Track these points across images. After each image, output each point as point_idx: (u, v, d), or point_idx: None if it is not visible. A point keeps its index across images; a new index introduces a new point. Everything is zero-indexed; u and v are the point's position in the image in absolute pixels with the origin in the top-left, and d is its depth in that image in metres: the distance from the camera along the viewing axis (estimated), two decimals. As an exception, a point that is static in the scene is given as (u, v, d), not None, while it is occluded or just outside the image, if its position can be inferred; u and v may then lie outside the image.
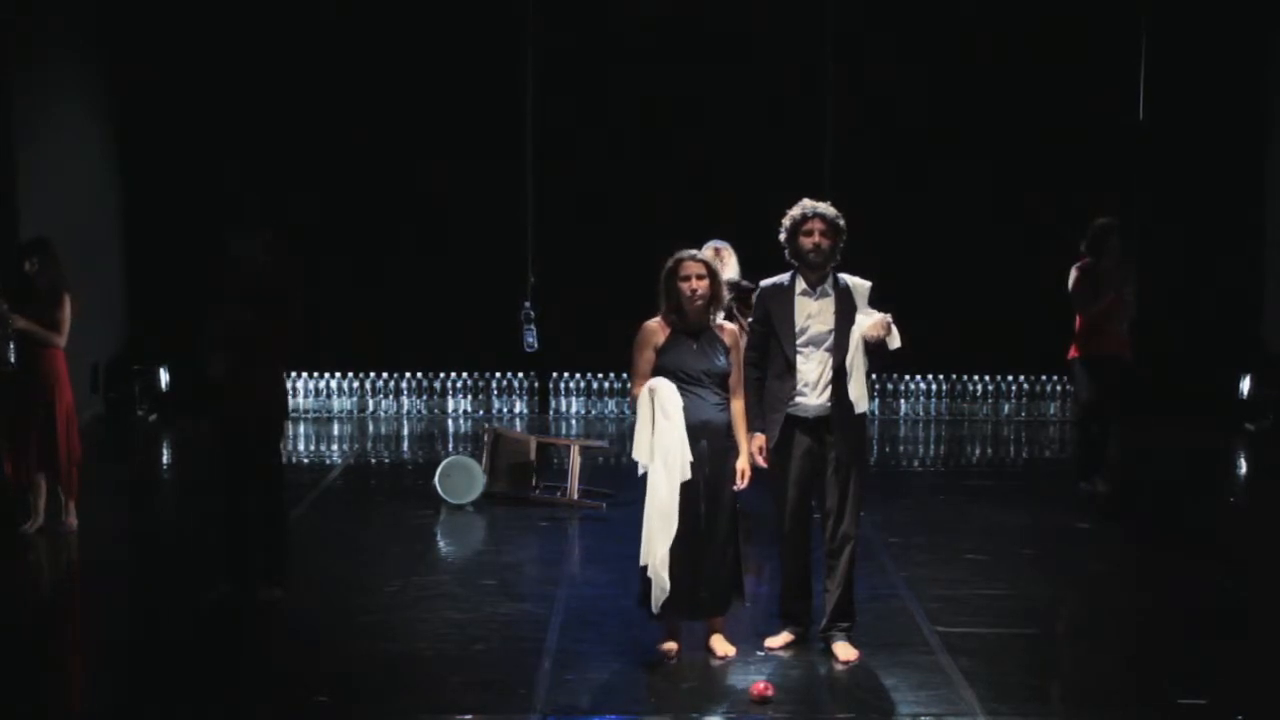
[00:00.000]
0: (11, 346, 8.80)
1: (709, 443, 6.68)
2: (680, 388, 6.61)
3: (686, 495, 6.62)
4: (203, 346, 7.68)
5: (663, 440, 6.54)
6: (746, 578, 7.04)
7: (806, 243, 6.73)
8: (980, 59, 13.53)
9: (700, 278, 6.70)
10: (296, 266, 8.15)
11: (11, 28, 11.56)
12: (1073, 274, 10.09)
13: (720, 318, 6.90)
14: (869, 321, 6.69)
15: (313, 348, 11.85)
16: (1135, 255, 10.31)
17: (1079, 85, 13.46)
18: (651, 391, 6.60)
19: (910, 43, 13.58)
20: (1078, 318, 10.09)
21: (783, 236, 6.82)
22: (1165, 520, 9.89)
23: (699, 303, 6.71)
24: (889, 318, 6.69)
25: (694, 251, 6.82)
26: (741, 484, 6.77)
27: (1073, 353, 10.20)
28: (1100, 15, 13.39)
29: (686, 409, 6.59)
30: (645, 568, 6.66)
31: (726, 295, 7.06)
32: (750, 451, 6.77)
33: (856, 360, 6.71)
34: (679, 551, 6.61)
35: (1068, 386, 13.56)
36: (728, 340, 6.78)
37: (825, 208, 6.81)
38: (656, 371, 6.68)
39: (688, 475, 6.58)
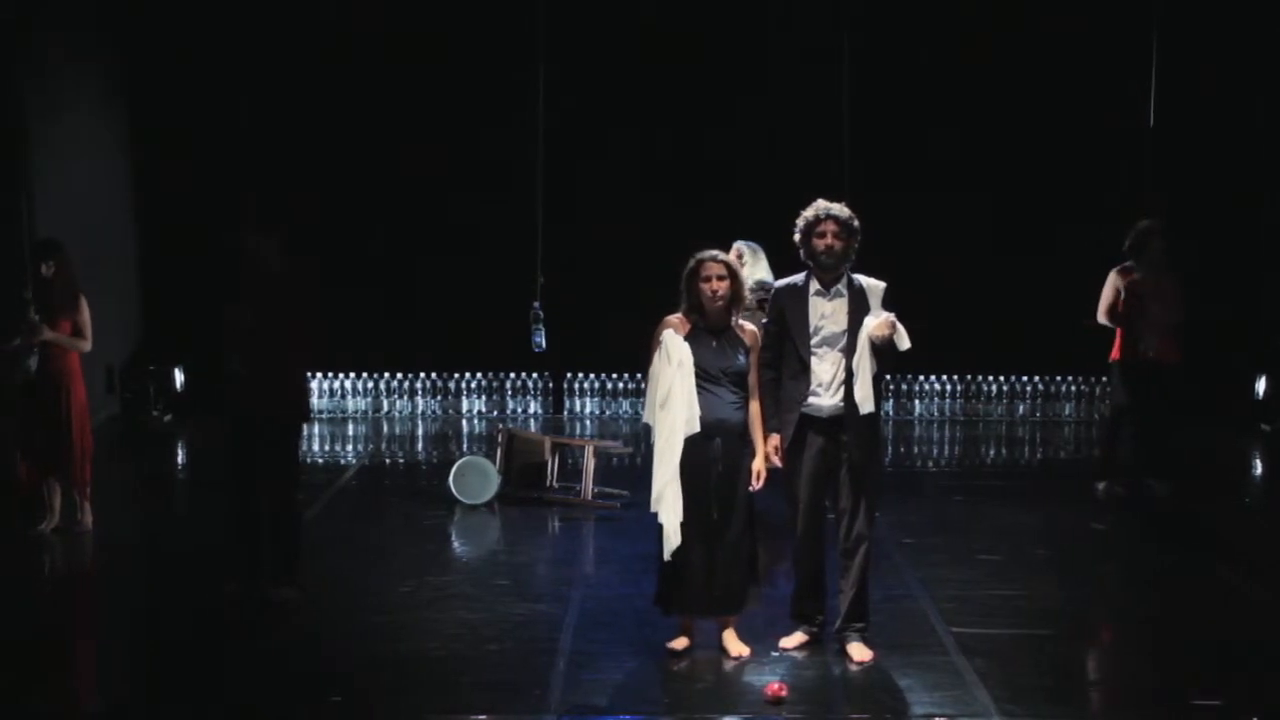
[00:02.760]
0: (34, 357, 8.83)
1: (724, 441, 6.69)
2: (699, 385, 6.62)
3: (701, 493, 6.65)
4: (224, 344, 7.66)
5: (667, 386, 6.55)
6: (761, 577, 7.04)
7: (819, 244, 6.72)
8: (984, 60, 13.50)
9: (721, 278, 6.71)
10: (311, 265, 8.14)
11: (14, 28, 11.56)
12: (1110, 276, 10.07)
13: (741, 318, 6.89)
14: (874, 322, 6.67)
15: (329, 348, 11.85)
16: (1168, 259, 10.14)
17: (1087, 88, 13.41)
18: (662, 342, 6.62)
19: (917, 44, 13.57)
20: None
21: (796, 238, 6.81)
22: (1180, 521, 9.87)
23: (719, 303, 6.71)
24: (893, 317, 6.66)
25: (715, 252, 6.81)
26: (757, 485, 6.77)
27: (1114, 355, 10.18)
28: (1107, 17, 13.33)
29: (703, 406, 6.61)
30: (662, 567, 6.72)
31: (749, 296, 7.02)
32: (765, 452, 6.77)
33: (863, 362, 6.68)
34: (694, 549, 6.64)
35: (1082, 387, 13.58)
36: (748, 340, 6.79)
37: (839, 209, 6.78)
38: (674, 368, 6.69)
39: (695, 428, 6.58)
